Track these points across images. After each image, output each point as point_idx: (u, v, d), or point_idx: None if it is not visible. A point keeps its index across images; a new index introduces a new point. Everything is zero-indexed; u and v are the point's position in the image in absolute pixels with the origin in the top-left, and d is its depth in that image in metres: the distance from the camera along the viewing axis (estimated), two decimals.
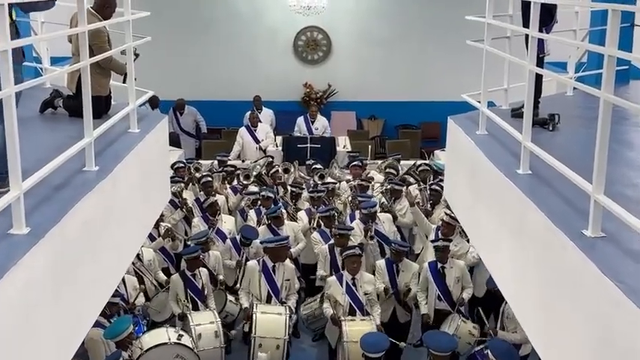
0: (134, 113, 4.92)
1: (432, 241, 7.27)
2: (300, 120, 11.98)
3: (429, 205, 8.44)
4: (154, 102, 12.26)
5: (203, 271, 7.15)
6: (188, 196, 8.96)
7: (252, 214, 8.41)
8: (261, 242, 7.42)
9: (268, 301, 6.78)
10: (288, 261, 7.13)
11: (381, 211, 8.19)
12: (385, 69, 14.00)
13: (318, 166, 9.68)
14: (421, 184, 9.19)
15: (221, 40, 13.87)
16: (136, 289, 6.84)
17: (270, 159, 10.23)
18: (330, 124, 13.65)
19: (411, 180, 9.80)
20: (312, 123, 11.90)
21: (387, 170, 9.69)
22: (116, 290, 6.00)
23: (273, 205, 8.27)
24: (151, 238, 7.78)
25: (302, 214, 8.41)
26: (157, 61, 13.43)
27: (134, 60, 5.06)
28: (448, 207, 8.40)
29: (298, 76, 14.01)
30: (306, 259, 8.10)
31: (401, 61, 13.95)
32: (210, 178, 8.88)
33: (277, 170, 9.69)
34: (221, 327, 6.45)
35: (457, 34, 7.66)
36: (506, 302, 5.90)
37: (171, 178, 8.15)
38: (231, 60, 13.94)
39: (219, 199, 8.69)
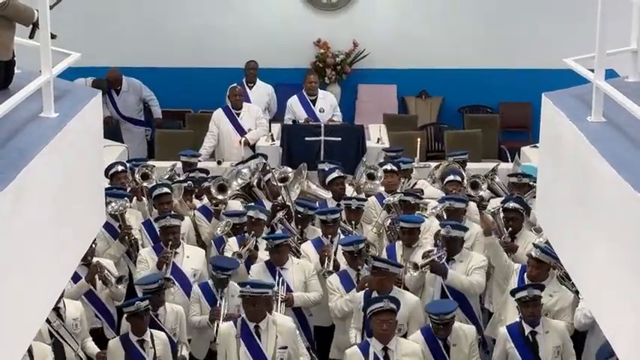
0: (49, 88, 4.94)
1: (514, 292, 7.26)
2: (294, 100, 12.03)
3: (508, 234, 8.43)
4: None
5: (158, 335, 7.17)
6: (133, 218, 8.98)
7: (232, 243, 8.45)
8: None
9: None
10: (279, 316, 7.14)
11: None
12: (443, 18, 14.00)
13: (335, 173, 9.60)
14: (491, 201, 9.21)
15: None
16: None
17: (263, 160, 10.23)
18: (355, 105, 13.58)
19: (483, 194, 9.76)
20: (313, 102, 11.93)
21: (450, 178, 9.62)
22: None
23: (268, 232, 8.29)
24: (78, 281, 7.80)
25: (308, 248, 8.44)
26: (89, 6, 13.51)
27: (52, 5, 5.07)
28: (535, 231, 8.45)
29: (308, 30, 14.04)
30: (319, 318, 8.13)
31: (469, 4, 13.95)
32: (167, 190, 8.92)
33: (272, 177, 9.69)
34: None
35: None
36: None
37: (107, 190, 8.16)
38: (202, 4, 13.99)
39: (184, 222, 8.72)
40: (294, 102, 11.96)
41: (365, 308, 7.14)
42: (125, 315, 7.25)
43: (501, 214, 8.61)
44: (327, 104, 11.97)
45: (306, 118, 11.75)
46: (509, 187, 9.57)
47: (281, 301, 7.66)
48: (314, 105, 11.90)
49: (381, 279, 7.35)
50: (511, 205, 8.50)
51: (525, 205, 8.51)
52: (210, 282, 7.84)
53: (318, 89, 12.17)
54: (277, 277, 7.79)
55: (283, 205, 9.29)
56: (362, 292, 7.51)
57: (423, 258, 7.85)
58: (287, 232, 8.75)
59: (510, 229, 8.46)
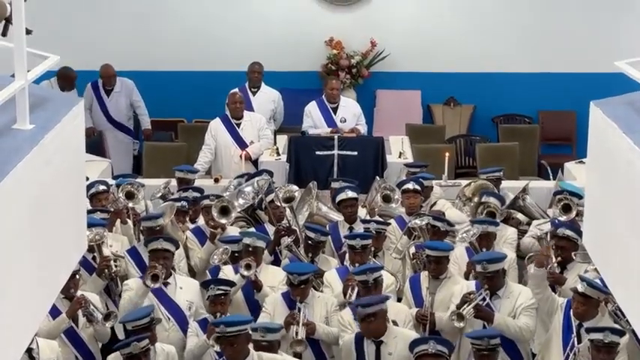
0: (24, 96, 4.93)
1: (591, 330, 7.23)
2: (313, 107, 12.04)
3: (556, 263, 8.40)
4: (66, 79, 12.33)
5: None
6: (118, 244, 8.98)
7: (228, 271, 8.46)
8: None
9: None
10: (266, 356, 7.13)
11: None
12: (474, 14, 14.02)
13: (352, 193, 9.59)
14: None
15: None
16: None
17: (268, 177, 10.22)
18: (373, 114, 13.56)
19: (520, 217, 9.70)
20: (334, 110, 11.93)
21: (484, 199, 9.59)
22: None
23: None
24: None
25: (332, 278, 8.44)
26: (69, 2, 13.56)
27: None
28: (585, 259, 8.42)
29: (318, 27, 14.10)
30: None
31: (507, 2, 13.96)
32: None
33: (276, 198, 9.65)
34: None
35: None
36: None
37: (89, 213, 8.18)
38: (198, 1, 14.02)
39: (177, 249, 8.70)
40: (312, 108, 11.96)
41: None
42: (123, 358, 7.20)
43: (548, 240, 8.58)
44: (350, 113, 11.96)
45: (331, 130, 11.69)
46: (558, 209, 9.41)
47: (302, 324, 7.64)
48: (335, 113, 11.89)
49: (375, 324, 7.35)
50: (564, 232, 8.45)
51: (580, 232, 8.47)
52: (209, 317, 7.82)
53: (340, 96, 12.15)
54: (297, 310, 7.77)
55: (288, 229, 9.26)
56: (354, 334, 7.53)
57: (462, 302, 7.77)
58: (295, 260, 8.73)
59: (560, 258, 8.41)
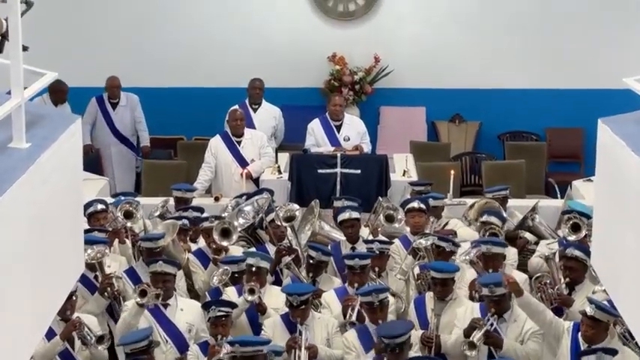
0: (20, 114, 4.94)
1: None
2: (316, 124, 12.04)
3: (564, 286, 8.39)
4: (58, 92, 12.36)
5: None
6: (116, 265, 8.98)
7: (231, 293, 8.48)
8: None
9: None
10: None
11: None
12: (480, 29, 14.05)
13: (353, 213, 9.61)
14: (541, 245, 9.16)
15: None
16: None
17: (268, 196, 10.24)
18: (377, 131, 13.57)
19: (528, 236, 9.69)
20: (338, 128, 11.96)
21: (484, 219, 9.63)
22: None
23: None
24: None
25: (330, 298, 8.43)
26: (66, 18, 13.59)
27: (23, 12, 5.07)
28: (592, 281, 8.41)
29: (321, 43, 14.12)
30: None
31: (511, 16, 13.99)
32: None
33: (277, 217, 9.65)
34: None
35: None
36: None
37: (86, 232, 8.17)
38: (197, 16, 14.06)
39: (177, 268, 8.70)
40: (315, 126, 11.95)
41: None
42: None
43: (557, 260, 8.56)
44: (354, 131, 11.95)
45: (335, 149, 11.68)
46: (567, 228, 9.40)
47: (304, 348, 7.64)
48: (338, 131, 11.89)
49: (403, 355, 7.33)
50: (572, 252, 8.44)
51: (589, 253, 8.45)
52: (210, 340, 7.82)
53: (344, 113, 12.16)
54: (298, 334, 7.76)
55: (290, 249, 9.26)
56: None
57: (471, 328, 7.74)
58: (296, 280, 8.73)
59: (568, 279, 8.40)
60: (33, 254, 4.77)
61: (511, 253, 9.13)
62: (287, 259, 9.03)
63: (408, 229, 9.62)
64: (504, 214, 9.96)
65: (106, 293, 8.58)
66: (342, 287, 8.55)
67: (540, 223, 9.90)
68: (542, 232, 9.83)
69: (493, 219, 9.55)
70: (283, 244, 9.35)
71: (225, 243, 9.18)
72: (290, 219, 9.67)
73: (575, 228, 9.12)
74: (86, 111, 12.91)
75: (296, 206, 9.90)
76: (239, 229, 9.59)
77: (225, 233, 9.24)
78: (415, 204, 9.65)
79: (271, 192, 10.34)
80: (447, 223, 9.95)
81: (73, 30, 13.72)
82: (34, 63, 5.43)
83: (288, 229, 9.56)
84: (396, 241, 9.47)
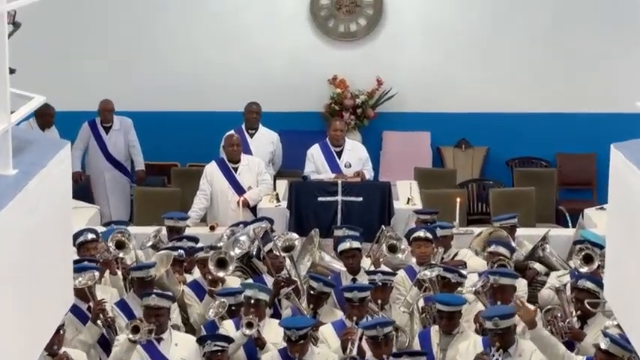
0: (7, 139, 4.94)
1: None
2: (316, 150, 12.07)
3: (575, 319, 8.37)
4: (44, 116, 12.37)
5: None
6: (107, 296, 8.96)
7: (228, 326, 8.45)
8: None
9: None
10: None
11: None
12: (487, 51, 14.09)
13: (354, 243, 9.60)
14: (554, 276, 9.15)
15: (176, 5, 14.12)
16: None
17: (265, 224, 10.23)
18: (379, 157, 13.60)
19: (538, 267, 9.68)
20: (339, 154, 11.97)
21: (492, 249, 9.63)
22: None
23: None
24: None
25: (328, 332, 8.40)
26: (56, 39, 13.62)
27: (10, 33, 5.09)
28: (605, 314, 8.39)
29: (321, 65, 14.16)
30: None
31: (519, 36, 14.03)
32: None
33: (274, 247, 9.65)
34: None
35: None
36: None
37: (76, 263, 8.17)
38: (193, 36, 14.10)
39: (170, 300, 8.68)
40: (315, 152, 11.98)
41: None
42: None
43: (568, 293, 8.55)
44: (355, 157, 11.98)
45: (335, 176, 11.69)
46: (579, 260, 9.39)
47: None
48: (339, 157, 11.91)
49: None
50: (584, 284, 8.42)
51: (602, 284, 8.43)
52: None
53: (345, 139, 12.17)
54: None
55: (288, 280, 9.25)
56: None
57: None
58: (296, 312, 8.71)
59: (580, 312, 8.38)
60: (19, 286, 4.77)
61: (521, 285, 9.12)
62: (286, 289, 9.02)
63: (414, 259, 9.60)
64: (513, 244, 9.94)
65: (99, 321, 8.56)
66: (339, 320, 8.51)
67: (551, 254, 9.89)
68: (552, 263, 9.82)
69: (501, 249, 9.54)
70: (282, 275, 9.34)
71: (221, 274, 9.16)
72: (289, 249, 9.66)
73: (588, 259, 9.10)
74: (78, 136, 12.96)
75: (295, 235, 9.89)
76: (236, 260, 9.59)
77: (222, 264, 9.22)
78: (421, 233, 9.63)
79: (270, 221, 10.34)
80: (456, 254, 9.94)
81: (62, 51, 13.76)
82: (22, 86, 5.44)
83: (287, 260, 9.56)
84: (401, 272, 9.45)
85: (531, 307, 8.55)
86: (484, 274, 8.88)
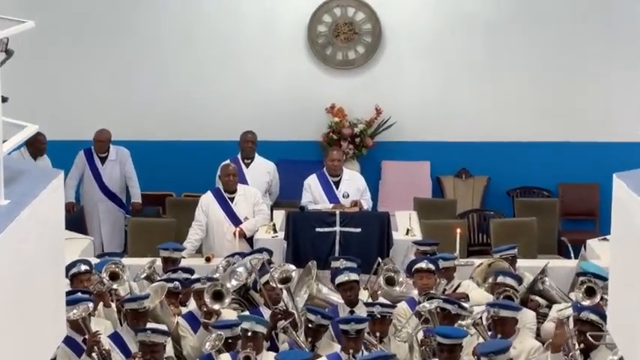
0: None
1: None
2: (313, 180, 12.06)
3: (578, 352, 8.34)
4: (35, 143, 12.37)
5: None
6: (101, 329, 8.92)
7: (225, 359, 8.41)
8: None
9: None
10: None
11: None
12: (488, 79, 14.12)
13: (354, 276, 9.59)
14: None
15: (171, 33, 14.14)
16: None
17: (265, 256, 10.22)
18: (378, 187, 13.60)
19: (539, 299, 9.66)
20: (336, 184, 11.98)
21: (499, 280, 9.61)
22: None
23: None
24: None
25: None
26: (51, 70, 13.67)
27: (3, 61, 5.10)
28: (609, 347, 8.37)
29: (319, 93, 14.19)
30: None
31: (520, 64, 14.08)
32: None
33: (271, 279, 9.63)
34: None
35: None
36: None
37: (69, 294, 8.14)
38: (188, 66, 14.14)
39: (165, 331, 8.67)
40: (312, 182, 11.95)
41: None
42: None
43: (570, 326, 8.54)
44: (353, 187, 11.95)
45: (333, 206, 11.67)
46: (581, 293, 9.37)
47: None
48: (337, 187, 11.90)
49: None
50: (587, 316, 8.40)
51: (605, 317, 8.42)
52: None
53: (343, 168, 12.16)
54: None
55: (285, 312, 9.23)
56: None
57: None
58: (294, 345, 8.68)
59: (583, 345, 8.36)
60: (10, 318, 4.75)
61: (529, 317, 9.11)
62: (283, 322, 9.00)
63: (415, 291, 9.58)
64: (515, 274, 9.94)
65: (94, 353, 8.53)
66: (334, 353, 8.46)
67: (551, 287, 9.86)
68: (553, 297, 9.80)
69: (508, 280, 9.52)
70: (279, 307, 9.32)
71: (217, 306, 9.14)
72: (286, 280, 9.63)
73: (590, 292, 9.09)
74: (73, 164, 12.97)
75: (292, 267, 9.87)
76: (232, 291, 9.57)
77: (218, 296, 9.21)
78: (423, 264, 9.62)
79: (269, 252, 10.32)
80: (459, 285, 9.92)
81: (56, 79, 13.79)
82: (14, 114, 5.45)
83: (284, 292, 9.54)
84: (403, 303, 9.43)
85: (533, 342, 8.54)
86: (486, 306, 8.89)
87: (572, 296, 9.67)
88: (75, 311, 8.54)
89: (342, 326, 8.48)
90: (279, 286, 9.52)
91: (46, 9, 13.31)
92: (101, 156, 13.17)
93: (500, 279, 9.51)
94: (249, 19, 14.12)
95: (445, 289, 9.63)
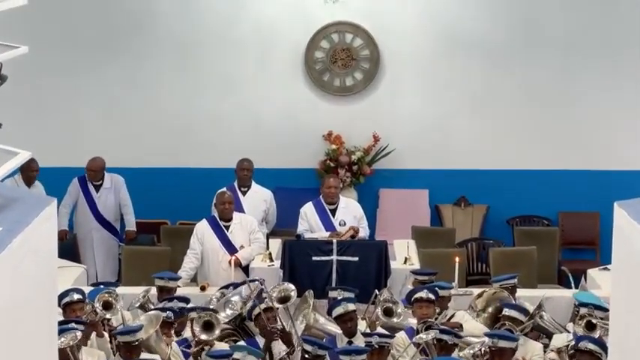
0: None
1: None
2: (309, 208, 12.05)
3: None
4: (26, 170, 12.37)
5: None
6: (93, 358, 8.90)
7: None
8: None
9: None
10: None
11: None
12: (487, 107, 14.14)
13: (351, 306, 9.57)
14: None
15: (167, 58, 14.19)
16: None
17: (256, 283, 10.20)
18: (376, 215, 13.60)
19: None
20: (333, 212, 11.99)
21: (505, 313, 9.56)
22: None
23: None
24: None
25: None
26: (45, 96, 13.70)
27: None
28: None
29: (316, 120, 14.20)
30: None
31: (519, 92, 14.10)
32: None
33: (269, 309, 9.62)
34: None
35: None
36: None
37: (61, 324, 8.15)
38: (184, 93, 14.15)
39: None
40: (308, 210, 11.95)
41: None
42: None
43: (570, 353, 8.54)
44: (350, 215, 11.93)
45: (330, 234, 11.68)
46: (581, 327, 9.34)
47: None
48: (333, 216, 11.89)
49: None
50: (586, 346, 8.39)
51: (605, 347, 8.41)
52: None
53: (340, 196, 12.15)
54: None
55: (283, 331, 9.21)
56: None
57: None
58: None
59: None
60: (1, 348, 4.74)
61: (536, 349, 9.08)
62: (281, 353, 8.98)
63: (414, 320, 9.56)
64: (517, 304, 9.92)
65: None
66: None
67: (549, 322, 9.85)
68: (551, 332, 9.78)
69: (514, 313, 9.48)
70: (276, 325, 9.30)
71: (204, 337, 9.11)
72: (285, 300, 9.66)
73: (590, 326, 9.11)
74: (67, 191, 12.96)
75: (292, 286, 9.91)
76: (226, 321, 9.55)
77: (208, 327, 9.18)
78: (423, 294, 9.60)
79: (261, 281, 10.27)
80: (453, 315, 9.90)
81: (49, 105, 13.82)
82: (7, 141, 5.46)
83: (283, 311, 9.55)
84: (402, 333, 9.40)
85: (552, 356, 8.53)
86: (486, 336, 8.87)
87: (569, 326, 9.68)
88: (62, 339, 8.50)
89: (343, 357, 8.46)
90: (277, 305, 9.52)
91: (40, 35, 13.33)
92: (96, 184, 13.16)
93: (506, 312, 9.47)
94: (246, 45, 14.13)
95: (437, 317, 9.61)
